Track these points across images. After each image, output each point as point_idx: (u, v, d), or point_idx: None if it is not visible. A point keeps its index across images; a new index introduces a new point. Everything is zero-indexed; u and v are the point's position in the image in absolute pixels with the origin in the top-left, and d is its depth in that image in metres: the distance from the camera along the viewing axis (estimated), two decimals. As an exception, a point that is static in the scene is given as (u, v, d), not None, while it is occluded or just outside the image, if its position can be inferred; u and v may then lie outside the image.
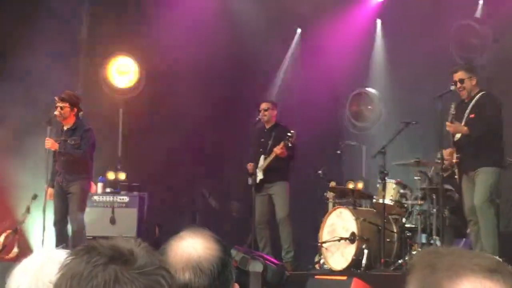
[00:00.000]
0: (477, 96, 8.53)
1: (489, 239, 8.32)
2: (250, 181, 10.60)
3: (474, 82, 8.55)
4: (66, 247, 8.75)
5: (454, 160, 8.54)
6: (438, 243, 9.01)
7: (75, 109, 9.68)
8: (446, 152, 8.72)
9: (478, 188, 8.38)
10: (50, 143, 9.42)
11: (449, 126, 8.41)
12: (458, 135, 8.50)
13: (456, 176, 8.67)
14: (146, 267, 1.56)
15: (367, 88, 13.48)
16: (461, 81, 8.51)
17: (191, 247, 2.45)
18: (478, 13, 12.23)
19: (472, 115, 8.44)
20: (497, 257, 7.44)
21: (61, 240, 9.47)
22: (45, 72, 11.96)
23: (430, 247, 1.80)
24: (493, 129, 8.42)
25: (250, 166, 10.59)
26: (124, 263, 1.55)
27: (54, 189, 9.60)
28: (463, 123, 8.43)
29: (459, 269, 1.52)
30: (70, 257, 1.59)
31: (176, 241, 2.51)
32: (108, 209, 11.27)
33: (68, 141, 9.54)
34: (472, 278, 1.51)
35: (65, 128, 9.69)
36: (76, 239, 9.38)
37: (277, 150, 10.27)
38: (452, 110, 8.44)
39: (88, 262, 1.55)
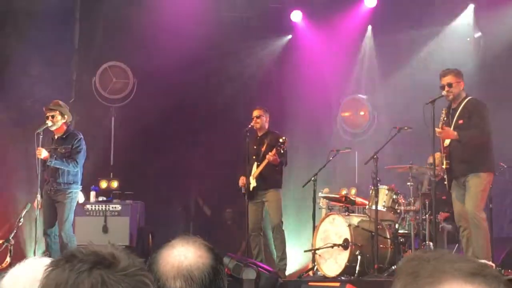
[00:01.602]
0: (464, 102, 8.54)
1: (482, 245, 8.30)
2: (243, 189, 10.59)
3: (461, 86, 8.57)
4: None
5: (443, 166, 8.54)
6: (431, 248, 9.00)
7: (65, 116, 9.68)
8: (438, 156, 8.72)
9: (469, 194, 8.36)
10: (42, 152, 9.40)
11: (439, 132, 8.41)
12: (447, 141, 8.49)
13: (445, 182, 8.67)
14: (129, 268, 1.59)
15: (359, 94, 13.49)
16: (450, 85, 8.52)
17: (182, 255, 2.44)
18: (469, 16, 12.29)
19: (461, 121, 8.44)
20: (480, 260, 7.46)
21: (52, 249, 9.44)
22: (37, 81, 11.94)
23: (415, 253, 1.78)
24: (482, 134, 8.43)
25: (241, 181, 10.58)
26: (108, 267, 1.56)
27: (43, 198, 9.58)
28: (452, 129, 8.43)
29: (441, 275, 1.52)
30: (50, 268, 1.59)
31: (167, 249, 2.50)
32: (101, 217, 11.24)
33: (59, 149, 9.53)
34: (453, 284, 1.50)
35: (56, 136, 9.68)
36: (66, 249, 9.35)
37: (270, 157, 10.25)
38: (443, 116, 8.45)
39: (71, 270, 1.55)
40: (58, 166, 9.52)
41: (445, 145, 8.54)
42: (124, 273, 1.57)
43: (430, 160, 9.00)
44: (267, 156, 10.31)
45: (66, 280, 1.55)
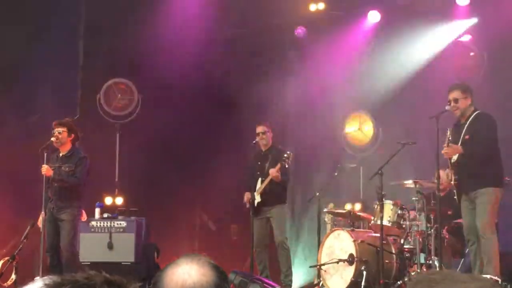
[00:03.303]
0: (472, 116, 8.55)
1: (491, 261, 8.28)
2: (247, 204, 10.59)
3: (469, 102, 8.56)
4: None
5: (452, 182, 8.52)
6: (436, 263, 8.99)
7: (72, 135, 9.69)
8: (443, 173, 8.70)
9: (480, 210, 8.35)
10: (46, 169, 9.41)
11: (445, 151, 8.39)
12: (455, 157, 8.49)
13: (455, 197, 8.65)
14: None
15: (363, 110, 13.47)
16: (456, 100, 8.53)
17: (186, 273, 2.44)
18: (471, 32, 12.27)
19: (467, 136, 8.45)
20: (491, 278, 7.38)
21: (55, 266, 9.44)
22: (42, 98, 11.98)
23: (424, 274, 1.77)
24: (489, 149, 8.41)
25: (246, 197, 10.59)
26: None
27: (46, 215, 9.56)
28: (459, 144, 8.44)
29: None
30: None
31: (171, 267, 2.51)
32: (106, 234, 11.22)
33: (63, 167, 9.54)
34: None
35: (60, 154, 9.69)
36: (69, 267, 9.34)
37: (272, 173, 10.26)
38: (448, 135, 8.44)
39: None
40: (61, 184, 9.52)
41: (452, 161, 8.53)
42: None
43: (436, 175, 8.97)
44: (270, 172, 10.33)
45: None
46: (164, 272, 2.50)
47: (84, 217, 10.08)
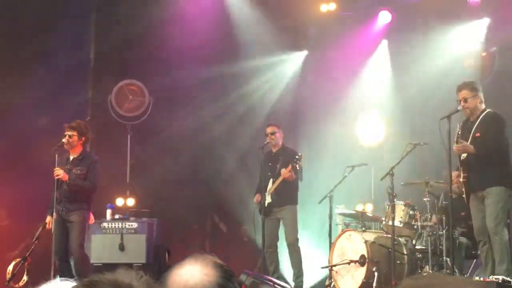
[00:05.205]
0: (482, 115, 8.51)
1: (503, 261, 8.23)
2: (258, 205, 10.58)
3: (478, 100, 8.52)
4: (71, 277, 8.72)
5: (460, 179, 8.47)
6: (449, 264, 8.94)
7: (83, 139, 9.67)
8: (454, 175, 8.64)
9: (490, 210, 8.30)
10: (62, 173, 9.38)
11: (456, 147, 8.35)
12: (464, 154, 8.45)
13: (463, 195, 8.61)
14: None
15: (375, 109, 13.44)
16: (465, 100, 8.48)
17: (189, 274, 2.43)
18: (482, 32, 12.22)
19: (478, 134, 8.41)
20: (503, 279, 7.28)
21: (65, 268, 9.44)
22: (53, 100, 12.00)
23: (407, 281, 1.77)
24: (500, 147, 8.37)
25: (257, 199, 10.59)
26: None
27: (54, 217, 9.51)
28: (469, 142, 8.39)
29: None
30: None
31: (176, 268, 2.50)
32: (117, 235, 11.23)
33: (74, 170, 9.52)
34: None
35: (71, 157, 9.68)
36: (79, 269, 9.34)
37: (285, 173, 10.25)
38: (458, 130, 8.40)
39: None
40: (75, 188, 9.50)
41: (462, 158, 8.49)
42: None
43: (447, 176, 8.91)
44: (282, 172, 10.31)
45: None
46: (169, 274, 2.50)
47: (92, 220, 10.07)
